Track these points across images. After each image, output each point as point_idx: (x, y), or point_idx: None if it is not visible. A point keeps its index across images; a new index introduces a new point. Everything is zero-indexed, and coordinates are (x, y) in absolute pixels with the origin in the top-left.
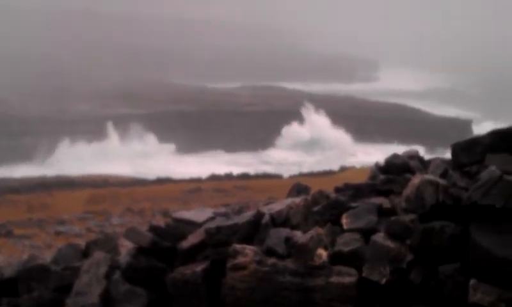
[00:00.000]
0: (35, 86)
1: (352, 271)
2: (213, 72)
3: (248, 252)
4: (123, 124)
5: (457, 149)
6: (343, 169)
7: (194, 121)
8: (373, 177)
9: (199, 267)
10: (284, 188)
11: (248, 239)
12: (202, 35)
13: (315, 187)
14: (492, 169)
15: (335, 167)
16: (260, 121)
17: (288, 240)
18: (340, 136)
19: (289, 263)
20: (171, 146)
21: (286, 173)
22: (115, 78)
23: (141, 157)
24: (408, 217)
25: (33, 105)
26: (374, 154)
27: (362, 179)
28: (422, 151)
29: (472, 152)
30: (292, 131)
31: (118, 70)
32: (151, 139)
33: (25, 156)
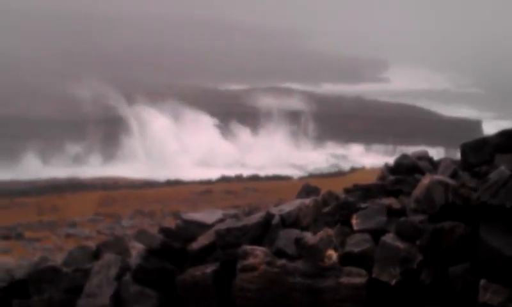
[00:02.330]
0: (40, 87)
1: (363, 272)
2: (224, 74)
3: (258, 254)
4: (135, 125)
5: (466, 149)
6: (353, 170)
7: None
8: (382, 178)
9: (209, 269)
10: (294, 190)
11: (257, 240)
12: (212, 37)
13: (324, 188)
14: (501, 169)
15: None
16: (270, 122)
17: (298, 241)
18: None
19: (299, 264)
20: (182, 148)
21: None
22: (127, 79)
23: (155, 158)
24: (417, 218)
25: (39, 107)
26: (383, 154)
27: (372, 180)
28: (434, 152)
29: (481, 152)
30: None
31: (129, 70)
32: (165, 140)
33: (35, 158)
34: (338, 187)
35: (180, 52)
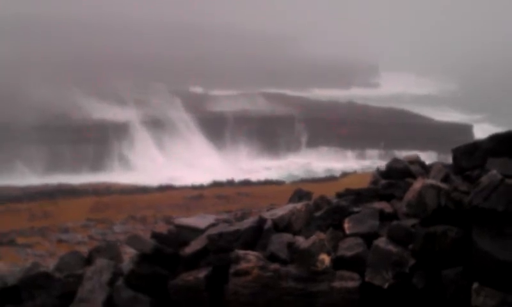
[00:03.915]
0: (26, 94)
1: (355, 276)
2: (214, 79)
3: (250, 258)
4: (124, 131)
5: (457, 153)
6: (345, 174)
7: (198, 128)
8: (374, 182)
9: (202, 274)
10: (286, 195)
11: (250, 245)
12: (201, 41)
13: (316, 192)
14: (493, 173)
15: None
16: (260, 128)
17: (290, 245)
18: None
19: (292, 269)
20: (171, 154)
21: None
22: (116, 82)
23: (143, 164)
24: (409, 222)
25: (32, 112)
26: (375, 159)
27: (363, 184)
28: (425, 157)
29: (473, 156)
30: None
31: (120, 74)
32: (151, 146)
33: (27, 164)
34: (330, 192)
35: (168, 57)
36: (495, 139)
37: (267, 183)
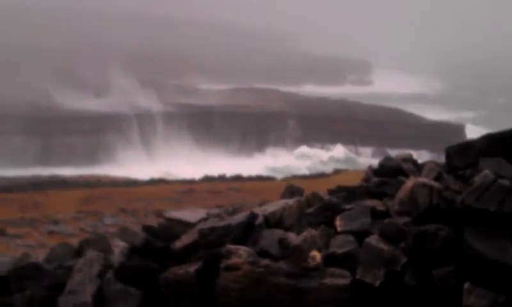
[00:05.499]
0: (24, 83)
1: (346, 273)
2: (207, 73)
3: (241, 253)
4: (115, 123)
5: (451, 152)
6: (336, 172)
7: (187, 122)
8: (367, 179)
9: (192, 268)
10: (277, 191)
11: (241, 240)
12: (196, 36)
13: (307, 189)
14: (486, 173)
15: None
16: (253, 124)
17: (281, 241)
18: None
19: (283, 265)
20: (165, 147)
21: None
22: (107, 77)
23: (135, 158)
24: (401, 220)
25: (22, 103)
26: (368, 157)
27: (355, 182)
28: (417, 155)
29: (466, 156)
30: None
31: (114, 68)
32: (144, 140)
33: (18, 155)
34: (321, 189)
35: (162, 51)
36: (488, 138)
37: (259, 178)
